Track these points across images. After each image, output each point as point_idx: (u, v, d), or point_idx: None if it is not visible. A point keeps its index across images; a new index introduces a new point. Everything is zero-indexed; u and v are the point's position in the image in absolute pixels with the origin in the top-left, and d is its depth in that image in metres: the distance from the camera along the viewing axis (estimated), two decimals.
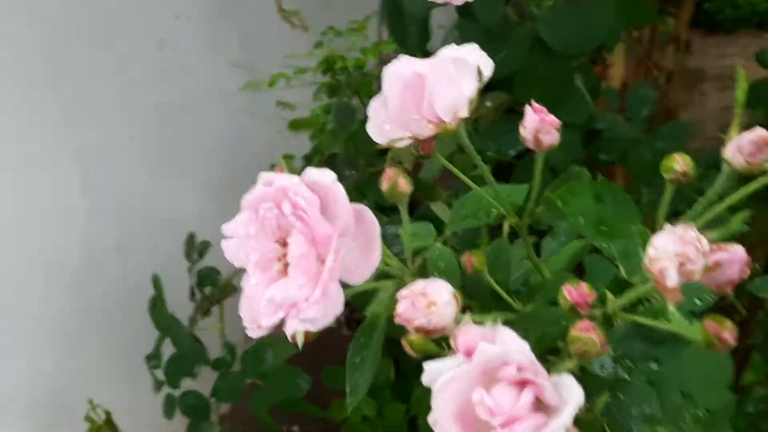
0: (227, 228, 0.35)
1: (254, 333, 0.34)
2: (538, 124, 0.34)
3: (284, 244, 0.33)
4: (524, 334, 0.30)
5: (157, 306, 0.88)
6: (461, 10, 0.60)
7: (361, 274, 0.33)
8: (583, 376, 0.33)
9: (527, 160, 0.72)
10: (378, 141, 0.34)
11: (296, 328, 0.32)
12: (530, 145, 0.35)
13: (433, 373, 0.27)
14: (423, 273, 0.38)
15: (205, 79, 1.13)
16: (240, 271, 0.36)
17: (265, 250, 0.34)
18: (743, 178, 0.32)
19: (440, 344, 0.31)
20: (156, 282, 0.88)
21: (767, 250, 0.88)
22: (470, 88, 0.34)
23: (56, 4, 0.87)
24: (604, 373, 0.31)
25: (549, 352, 0.32)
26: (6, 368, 0.85)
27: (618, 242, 0.31)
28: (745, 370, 1.10)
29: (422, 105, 0.33)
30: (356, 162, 0.83)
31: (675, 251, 0.25)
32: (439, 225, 0.42)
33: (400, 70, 0.35)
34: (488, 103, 0.73)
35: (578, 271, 0.43)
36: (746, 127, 0.31)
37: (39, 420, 0.92)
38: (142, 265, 0.96)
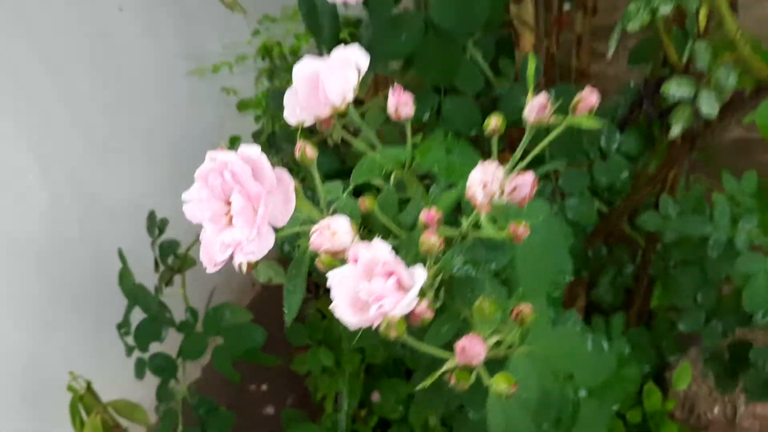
0: (186, 194, 0.47)
1: (212, 269, 0.47)
2: (396, 101, 0.47)
3: (228, 203, 0.46)
4: (404, 252, 0.43)
5: (125, 277, 0.99)
6: (366, 5, 0.73)
7: (283, 219, 0.46)
8: (450, 279, 0.47)
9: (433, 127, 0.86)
10: (291, 122, 0.47)
11: (241, 260, 0.45)
12: (393, 116, 0.48)
13: (335, 276, 0.41)
14: None
15: (153, 68, 1.23)
16: (196, 243, 0.49)
17: (215, 208, 0.47)
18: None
19: (342, 262, 0.44)
20: (121, 255, 0.99)
21: (654, 188, 1.03)
22: (353, 79, 0.47)
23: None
24: (458, 273, 0.45)
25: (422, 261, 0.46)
26: None
27: (462, 181, 0.45)
28: (651, 298, 1.26)
29: (319, 94, 0.46)
30: (293, 137, 0.96)
31: (480, 179, 0.39)
32: None
33: (304, 69, 0.48)
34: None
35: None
36: None
37: (24, 393, 1.03)
38: (105, 244, 1.07)
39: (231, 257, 0.45)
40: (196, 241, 0.70)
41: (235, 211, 0.45)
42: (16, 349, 1.01)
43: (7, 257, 0.99)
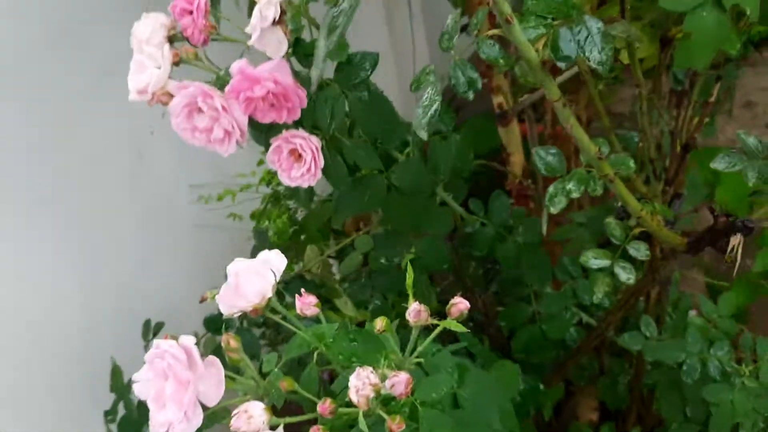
0: (137, 375, 0.56)
1: None
2: (300, 304, 0.56)
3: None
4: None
5: (115, 375, 1.10)
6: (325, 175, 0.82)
7: (215, 399, 0.54)
8: None
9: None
10: (225, 312, 0.56)
11: None
12: (300, 314, 0.56)
13: None
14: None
15: (182, 185, 1.36)
16: None
17: (158, 387, 0.55)
18: None
19: None
20: (113, 361, 1.10)
21: (637, 300, 1.08)
22: (271, 281, 0.55)
23: (48, 135, 1.10)
24: None
25: None
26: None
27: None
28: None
29: (240, 292, 0.55)
30: None
31: (354, 384, 0.46)
32: None
33: (233, 267, 0.57)
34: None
35: None
36: None
37: None
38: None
39: None
40: None
41: (167, 395, 0.53)
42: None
43: (42, 367, 1.10)
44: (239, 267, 0.57)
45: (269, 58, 0.69)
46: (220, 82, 0.72)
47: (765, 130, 2.60)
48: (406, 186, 0.84)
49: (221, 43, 0.73)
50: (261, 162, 1.28)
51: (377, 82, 0.77)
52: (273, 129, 0.73)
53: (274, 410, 0.54)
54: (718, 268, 1.46)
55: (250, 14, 1.06)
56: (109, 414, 1.11)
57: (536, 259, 1.03)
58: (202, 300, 0.67)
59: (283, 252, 0.97)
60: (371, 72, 0.76)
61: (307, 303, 0.56)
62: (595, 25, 0.58)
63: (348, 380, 0.50)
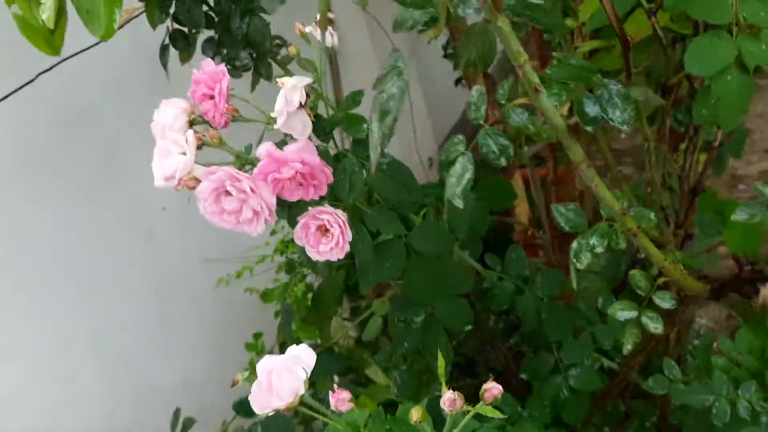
0: None
1: None
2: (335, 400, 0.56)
3: None
4: None
5: None
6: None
7: None
8: None
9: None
10: (258, 412, 0.56)
11: None
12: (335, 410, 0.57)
13: None
14: None
15: (192, 260, 1.36)
16: None
17: None
18: None
19: None
20: None
21: (646, 355, 1.08)
22: (302, 377, 0.56)
23: (60, 216, 1.10)
24: None
25: None
26: None
27: None
28: None
29: (272, 391, 0.55)
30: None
31: None
32: None
33: (262, 365, 0.58)
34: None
35: None
36: None
37: None
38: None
39: None
40: None
41: None
42: None
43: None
44: (269, 365, 0.57)
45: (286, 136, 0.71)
46: (242, 161, 0.73)
47: (764, 155, 2.64)
48: (427, 249, 0.84)
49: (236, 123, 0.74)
50: (274, 232, 1.29)
51: None
52: (297, 205, 0.74)
53: None
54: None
55: (253, 86, 1.08)
56: None
57: (556, 311, 1.03)
58: (234, 384, 0.67)
59: (302, 322, 0.97)
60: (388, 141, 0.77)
61: (341, 399, 0.56)
62: (614, 87, 0.60)
63: None
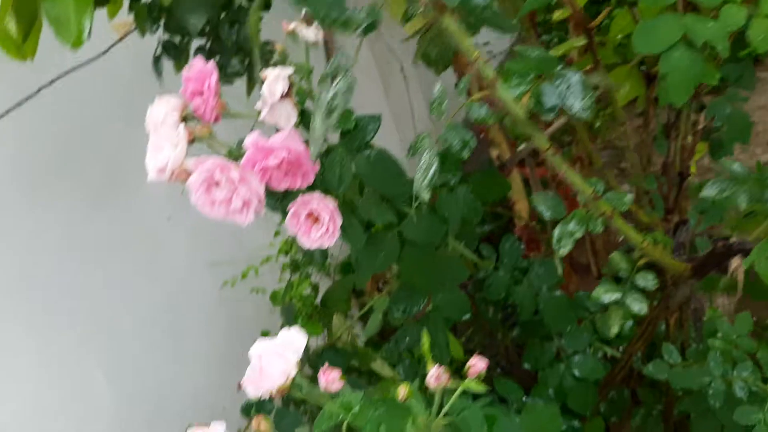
0: None
1: None
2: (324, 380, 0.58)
3: None
4: None
5: None
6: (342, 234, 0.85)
7: None
8: None
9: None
10: (252, 395, 0.58)
11: None
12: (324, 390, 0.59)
13: None
14: None
15: (198, 269, 1.39)
16: None
17: None
18: None
19: None
20: None
21: (644, 341, 1.09)
22: (293, 360, 0.58)
23: (68, 235, 1.13)
24: None
25: None
26: None
27: None
28: None
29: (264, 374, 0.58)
30: None
31: None
32: None
33: (254, 350, 0.60)
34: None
35: None
36: None
37: None
38: None
39: None
40: None
41: None
42: None
43: None
44: (261, 349, 0.59)
45: (275, 131, 0.73)
46: (233, 156, 0.76)
47: (767, 147, 2.64)
48: (419, 239, 0.86)
49: (227, 119, 0.77)
50: (277, 233, 1.32)
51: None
52: (288, 196, 0.76)
53: None
54: None
55: (249, 92, 1.11)
56: None
57: (554, 301, 1.05)
58: (239, 388, 0.69)
59: (309, 318, 0.99)
60: (374, 134, 0.80)
61: (331, 379, 0.58)
62: (574, 77, 0.62)
63: None
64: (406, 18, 0.64)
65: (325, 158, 0.78)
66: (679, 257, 0.81)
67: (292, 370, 0.59)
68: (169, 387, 1.32)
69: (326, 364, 0.60)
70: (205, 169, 0.70)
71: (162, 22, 0.98)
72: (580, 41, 0.99)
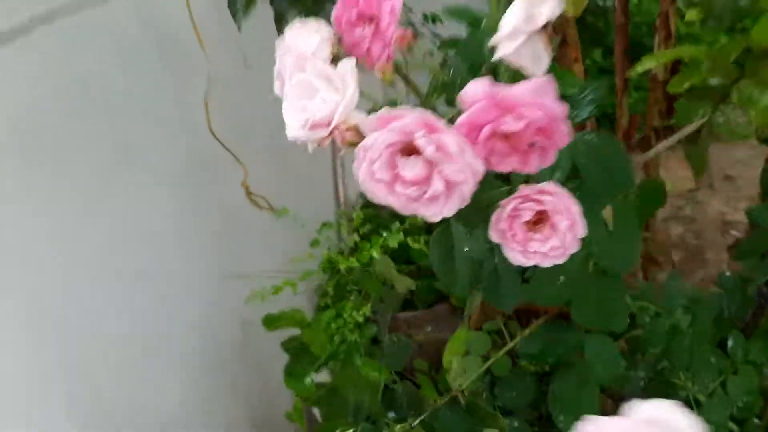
0: None
1: None
2: None
3: None
4: None
5: None
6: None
7: None
8: None
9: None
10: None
11: None
12: None
13: None
14: None
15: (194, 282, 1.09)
16: None
17: None
18: None
19: None
20: None
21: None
22: None
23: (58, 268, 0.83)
24: None
25: None
26: None
27: None
28: None
29: None
30: None
31: None
32: None
33: None
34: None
35: None
36: None
37: None
38: None
39: None
40: None
41: None
42: None
43: None
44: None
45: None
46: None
47: (751, 202, 2.53)
48: (613, 264, 0.62)
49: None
50: (316, 242, 1.04)
51: None
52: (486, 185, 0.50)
53: None
54: None
55: None
56: None
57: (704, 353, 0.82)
58: None
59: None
60: (595, 110, 0.55)
61: None
62: None
63: None
64: None
65: None
66: None
67: None
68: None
69: None
70: (399, 128, 0.44)
71: None
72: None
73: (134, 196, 0.96)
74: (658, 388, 0.88)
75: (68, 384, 0.87)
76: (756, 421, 0.93)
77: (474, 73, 0.53)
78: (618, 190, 0.56)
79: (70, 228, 0.85)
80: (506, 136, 0.45)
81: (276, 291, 0.99)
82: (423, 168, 0.45)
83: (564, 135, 0.45)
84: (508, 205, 0.48)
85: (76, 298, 0.87)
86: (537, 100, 0.43)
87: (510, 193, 0.49)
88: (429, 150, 0.43)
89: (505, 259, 0.59)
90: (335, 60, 0.50)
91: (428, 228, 1.05)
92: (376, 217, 1.25)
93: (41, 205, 0.80)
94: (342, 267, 0.99)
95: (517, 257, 0.49)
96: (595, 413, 0.72)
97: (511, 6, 0.43)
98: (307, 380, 0.97)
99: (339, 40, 0.51)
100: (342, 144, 0.46)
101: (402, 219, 1.17)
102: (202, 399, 1.08)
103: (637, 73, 0.71)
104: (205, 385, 1.08)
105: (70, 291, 0.86)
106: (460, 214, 0.47)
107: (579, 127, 0.67)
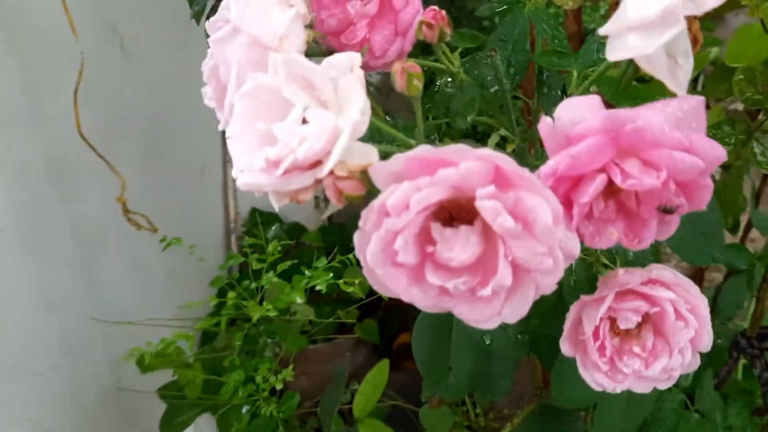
0: None
1: None
2: None
3: None
4: None
5: None
6: None
7: None
8: None
9: None
10: None
11: None
12: None
13: None
14: None
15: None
16: None
17: None
18: None
19: None
20: None
21: None
22: None
23: None
24: None
25: None
26: None
27: None
28: None
29: None
30: None
31: None
32: None
33: None
34: None
35: None
36: None
37: None
38: None
39: None
40: None
41: None
42: None
43: None
44: None
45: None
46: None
47: None
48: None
49: None
50: (218, 281, 0.83)
51: None
52: None
53: None
54: None
55: None
56: None
57: None
58: None
59: None
60: None
61: None
62: None
63: None
64: None
65: None
66: None
67: None
68: None
69: None
70: (452, 180, 0.24)
71: None
72: None
73: None
74: None
75: None
76: None
77: (514, 81, 0.35)
78: (710, 261, 0.40)
79: None
80: (616, 193, 0.27)
81: (165, 349, 0.76)
82: (478, 244, 0.26)
83: (708, 192, 0.27)
84: (600, 304, 0.29)
85: None
86: (683, 136, 0.25)
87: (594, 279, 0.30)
88: (501, 221, 0.24)
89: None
90: (308, 55, 0.30)
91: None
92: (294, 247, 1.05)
93: None
94: (254, 317, 0.78)
95: (597, 378, 0.31)
96: None
97: None
98: None
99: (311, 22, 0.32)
100: (336, 200, 0.26)
101: (329, 248, 0.98)
102: None
103: None
104: None
105: None
106: None
107: None
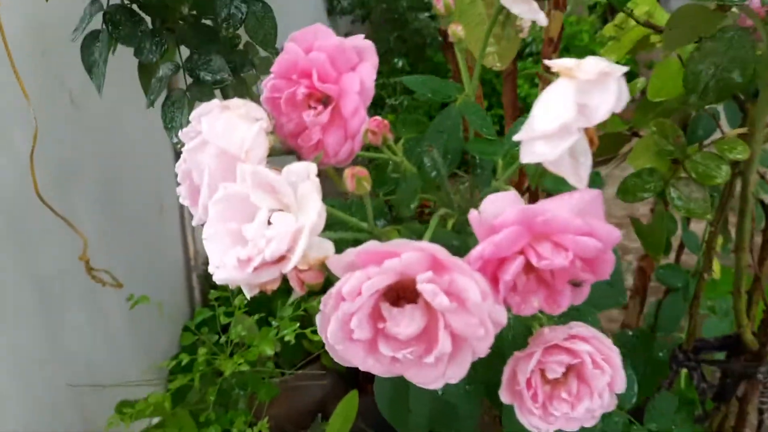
0: None
1: None
2: None
3: None
4: None
5: None
6: None
7: None
8: None
9: None
10: None
11: None
12: None
13: None
14: None
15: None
16: None
17: None
18: None
19: None
20: None
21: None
22: None
23: None
24: None
25: None
26: None
27: None
28: None
29: None
30: None
31: None
32: None
33: None
34: None
35: None
36: None
37: None
38: None
39: None
40: None
41: None
42: None
43: None
44: None
45: None
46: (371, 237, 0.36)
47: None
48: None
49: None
50: (189, 337, 0.86)
51: None
52: None
53: None
54: None
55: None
56: None
57: None
58: None
59: None
60: None
61: None
62: None
63: None
64: None
65: None
66: None
67: None
68: None
69: None
70: (397, 268, 0.29)
71: None
72: None
73: None
74: None
75: None
76: None
77: (450, 167, 0.40)
78: (616, 304, 0.45)
79: None
80: (535, 268, 0.32)
81: (140, 413, 0.79)
82: (421, 319, 0.31)
83: (610, 265, 0.32)
84: (530, 359, 0.34)
85: None
86: (584, 222, 0.30)
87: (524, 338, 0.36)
88: (439, 300, 0.29)
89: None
90: (270, 153, 0.35)
91: None
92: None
93: None
94: (226, 372, 0.82)
95: (533, 422, 0.36)
96: None
97: (552, 91, 0.30)
98: None
99: (273, 127, 0.37)
100: (300, 289, 0.31)
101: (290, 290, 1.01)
102: None
103: None
104: None
105: None
106: None
107: None
